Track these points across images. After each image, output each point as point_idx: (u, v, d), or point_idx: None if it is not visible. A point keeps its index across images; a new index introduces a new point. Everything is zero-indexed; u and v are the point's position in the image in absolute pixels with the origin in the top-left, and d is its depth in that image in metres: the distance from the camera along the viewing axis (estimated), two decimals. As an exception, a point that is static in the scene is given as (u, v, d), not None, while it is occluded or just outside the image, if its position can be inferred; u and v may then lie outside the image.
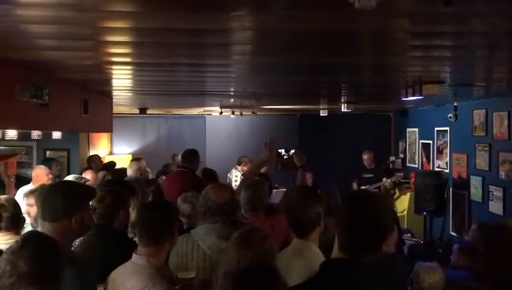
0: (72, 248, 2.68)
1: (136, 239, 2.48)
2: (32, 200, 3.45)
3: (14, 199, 3.30)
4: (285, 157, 4.61)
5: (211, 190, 2.72)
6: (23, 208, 3.78)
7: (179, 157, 7.05)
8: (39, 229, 2.25)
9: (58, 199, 2.22)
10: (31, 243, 1.76)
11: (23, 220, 3.31)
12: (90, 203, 2.43)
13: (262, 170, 4.73)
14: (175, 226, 2.40)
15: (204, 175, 5.33)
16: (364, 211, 1.67)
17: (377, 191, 7.89)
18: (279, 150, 4.32)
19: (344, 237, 1.70)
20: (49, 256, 1.73)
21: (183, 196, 3.89)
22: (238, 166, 8.22)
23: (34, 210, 3.43)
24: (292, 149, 4.42)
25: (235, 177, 8.02)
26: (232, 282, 1.70)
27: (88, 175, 5.82)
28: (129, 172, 5.73)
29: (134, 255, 2.30)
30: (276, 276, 1.75)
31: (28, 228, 3.41)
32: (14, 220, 3.07)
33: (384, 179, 8.00)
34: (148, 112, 8.63)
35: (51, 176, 5.40)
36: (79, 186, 2.60)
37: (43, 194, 2.28)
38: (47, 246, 1.76)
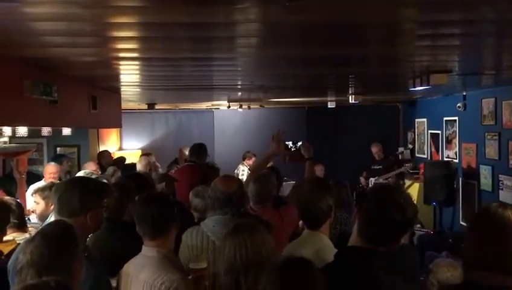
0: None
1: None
2: (38, 198, 3.51)
3: (17, 201, 3.54)
4: (292, 149, 4.59)
5: (219, 181, 2.77)
6: (31, 204, 3.86)
7: (186, 151, 7.15)
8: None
9: (76, 195, 2.26)
10: (43, 234, 1.79)
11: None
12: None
13: (269, 164, 4.73)
14: (176, 212, 2.42)
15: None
16: (390, 204, 1.70)
17: (386, 183, 7.87)
18: (287, 143, 4.32)
19: (367, 228, 1.74)
20: (61, 245, 1.76)
21: (195, 190, 3.91)
22: (244, 161, 8.39)
23: (39, 208, 3.50)
24: (300, 141, 4.41)
25: (242, 171, 8.17)
26: (273, 278, 1.66)
27: (90, 167, 6.03)
28: (139, 167, 5.79)
29: (143, 248, 2.33)
30: (314, 266, 1.72)
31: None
32: (22, 220, 3.28)
33: (395, 171, 7.97)
34: (156, 107, 8.67)
35: (58, 173, 5.50)
36: (96, 184, 2.62)
37: (60, 190, 2.32)
38: (59, 236, 1.79)
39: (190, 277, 2.30)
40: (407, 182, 8.30)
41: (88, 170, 5.60)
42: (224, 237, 2.12)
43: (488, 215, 1.60)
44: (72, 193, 2.27)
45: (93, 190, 2.36)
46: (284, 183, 5.19)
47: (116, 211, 2.99)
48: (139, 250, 2.34)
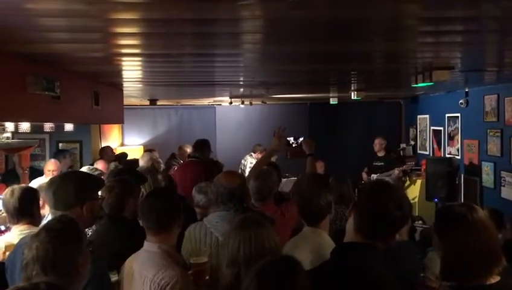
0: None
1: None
2: None
3: (22, 191, 2.92)
4: (294, 145, 4.60)
5: (222, 177, 2.77)
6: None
7: (187, 148, 7.20)
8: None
9: (70, 187, 2.29)
10: (48, 229, 1.80)
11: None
12: (99, 192, 2.49)
13: (273, 159, 4.76)
14: (181, 209, 2.44)
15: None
16: (389, 200, 1.71)
17: (382, 179, 7.84)
18: (288, 138, 4.32)
19: (363, 223, 1.75)
20: (66, 240, 1.77)
21: (198, 186, 3.91)
22: (253, 153, 8.33)
23: None
24: (301, 137, 4.41)
25: (250, 163, 8.09)
26: (255, 278, 1.65)
27: (100, 165, 6.10)
28: (141, 163, 5.80)
29: (145, 243, 2.34)
30: (299, 267, 1.68)
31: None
32: (23, 213, 2.86)
33: (396, 170, 7.93)
34: (158, 103, 8.67)
35: (58, 170, 5.51)
36: (89, 176, 2.67)
37: (54, 184, 2.33)
38: (64, 231, 1.80)
39: (191, 272, 2.32)
40: (409, 180, 8.29)
41: (96, 167, 5.63)
42: (230, 231, 2.13)
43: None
44: (66, 185, 2.30)
45: (87, 181, 2.41)
46: (285, 179, 5.21)
47: (117, 206, 3.00)
48: (140, 246, 2.35)
